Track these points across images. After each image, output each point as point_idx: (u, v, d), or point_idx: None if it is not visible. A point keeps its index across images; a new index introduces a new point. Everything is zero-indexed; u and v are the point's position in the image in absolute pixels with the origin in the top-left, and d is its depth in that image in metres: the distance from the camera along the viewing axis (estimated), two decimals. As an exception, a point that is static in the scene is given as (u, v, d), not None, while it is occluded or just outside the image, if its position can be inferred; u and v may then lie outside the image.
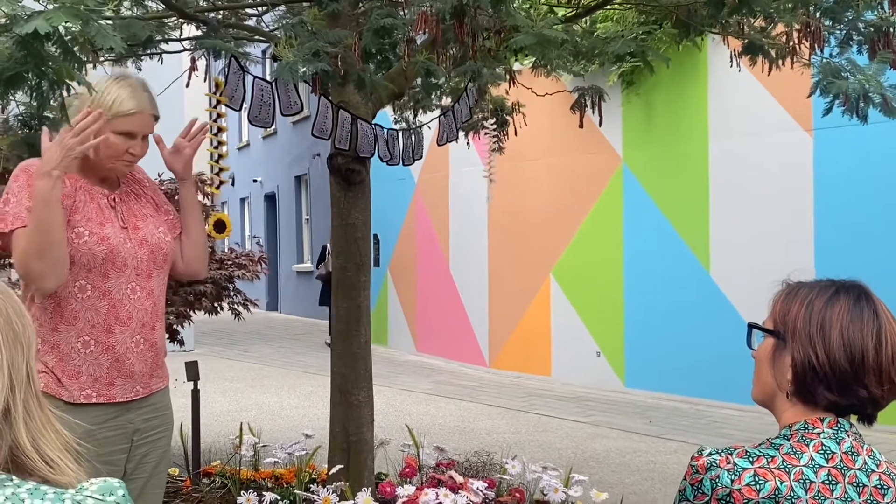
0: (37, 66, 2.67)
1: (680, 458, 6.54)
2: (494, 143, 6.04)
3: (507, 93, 5.50)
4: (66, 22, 2.36)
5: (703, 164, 8.82)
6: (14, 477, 1.07)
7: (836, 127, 6.16)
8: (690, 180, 8.92)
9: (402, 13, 3.61)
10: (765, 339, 1.55)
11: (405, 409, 8.52)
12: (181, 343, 6.28)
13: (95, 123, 2.43)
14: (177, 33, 4.50)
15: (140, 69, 4.53)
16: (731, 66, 4.64)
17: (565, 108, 5.50)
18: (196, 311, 6.19)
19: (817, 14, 4.00)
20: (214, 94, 3.47)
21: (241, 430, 5.05)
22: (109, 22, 3.14)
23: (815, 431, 1.45)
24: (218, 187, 3.45)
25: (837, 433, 1.45)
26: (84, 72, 3.04)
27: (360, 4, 4.09)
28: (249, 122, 3.67)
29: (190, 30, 4.55)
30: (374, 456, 4.46)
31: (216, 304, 6.26)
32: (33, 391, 1.12)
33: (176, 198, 2.91)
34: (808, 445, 1.44)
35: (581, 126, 5.31)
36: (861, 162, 7.63)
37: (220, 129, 3.44)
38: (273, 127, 19.72)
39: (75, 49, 2.68)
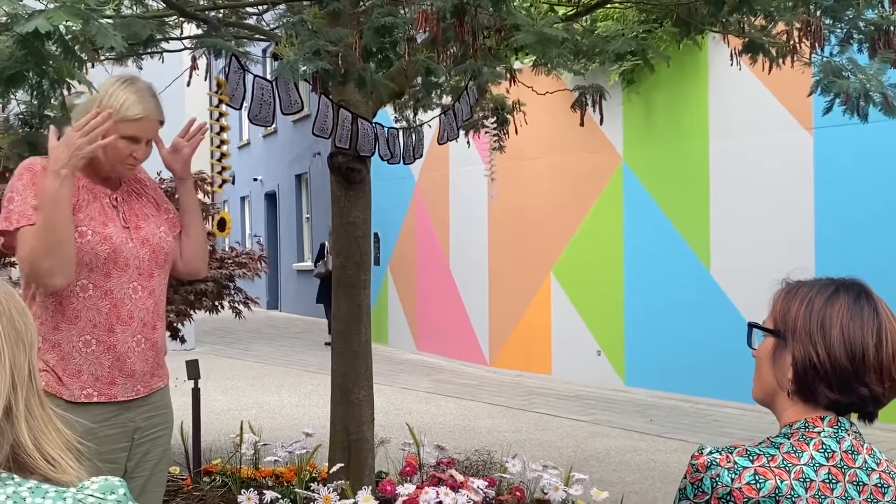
0: (37, 65, 2.67)
1: (680, 456, 6.55)
2: (495, 141, 6.04)
3: (507, 91, 5.50)
4: (66, 21, 2.36)
5: (704, 162, 8.82)
6: (15, 475, 1.08)
7: (837, 126, 6.16)
8: (691, 179, 8.92)
9: (402, 12, 3.61)
10: (765, 339, 1.55)
11: (405, 408, 8.52)
12: (182, 341, 6.28)
13: (105, 124, 2.44)
14: (177, 32, 4.50)
15: (141, 68, 4.53)
16: (732, 64, 4.64)
17: (566, 106, 5.50)
18: (197, 310, 6.20)
19: (818, 13, 4.00)
20: (216, 93, 3.47)
21: (241, 428, 5.05)
22: (110, 21, 3.13)
23: (816, 430, 1.45)
24: (220, 186, 3.45)
25: (838, 432, 1.45)
26: (85, 71, 3.05)
27: (361, 3, 4.10)
28: (250, 120, 3.67)
29: (190, 28, 4.55)
30: (375, 454, 4.46)
31: (217, 303, 6.26)
32: (35, 390, 1.12)
33: (176, 196, 2.92)
34: (808, 444, 1.44)
35: (582, 124, 5.31)
36: (861, 161, 7.63)
37: (222, 129, 3.44)
38: (273, 126, 19.70)
39: (76, 48, 2.69)
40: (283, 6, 4.24)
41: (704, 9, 4.19)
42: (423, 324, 12.69)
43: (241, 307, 6.49)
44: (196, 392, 5.24)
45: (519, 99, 5.89)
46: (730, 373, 7.18)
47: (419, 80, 4.68)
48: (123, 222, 2.58)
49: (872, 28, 4.05)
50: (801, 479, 1.40)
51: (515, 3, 3.76)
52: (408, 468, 4.54)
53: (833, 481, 1.41)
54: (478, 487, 4.10)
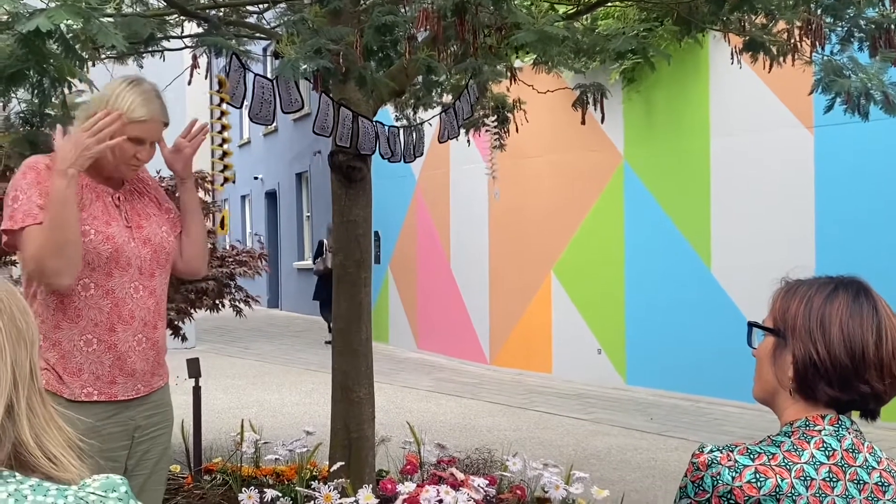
0: (38, 64, 2.68)
1: (681, 455, 6.55)
2: (495, 140, 6.04)
3: (508, 90, 5.50)
4: (67, 20, 2.36)
5: (705, 161, 8.82)
6: (17, 474, 1.08)
7: (838, 124, 6.16)
8: (691, 177, 8.92)
9: (403, 10, 3.61)
10: (765, 338, 1.56)
11: (406, 406, 8.53)
12: (184, 339, 6.28)
13: (114, 124, 2.44)
14: (178, 31, 4.50)
15: (142, 67, 4.53)
16: (732, 63, 4.64)
17: (566, 105, 5.49)
18: (198, 309, 6.20)
19: (818, 11, 4.00)
20: (217, 91, 3.47)
21: (242, 426, 5.05)
22: (111, 20, 3.13)
23: (817, 428, 1.45)
24: (222, 185, 3.45)
25: (838, 430, 1.46)
26: (86, 70, 3.05)
27: (362, 2, 4.09)
28: (250, 119, 3.67)
29: (191, 27, 4.56)
30: (375, 453, 4.46)
31: (217, 301, 6.27)
32: (36, 388, 1.12)
33: (176, 195, 2.92)
34: (809, 442, 1.44)
35: (583, 123, 5.31)
36: (862, 159, 7.63)
37: (223, 127, 3.44)
38: (274, 124, 19.72)
39: (77, 47, 2.69)
40: (283, 4, 4.24)
41: (705, 7, 4.19)
42: (424, 322, 12.69)
43: (241, 305, 6.49)
44: (197, 390, 5.24)
45: (519, 97, 5.89)
46: (730, 371, 7.18)
47: (420, 78, 4.68)
48: (126, 222, 2.58)
49: (873, 26, 4.05)
50: (802, 478, 1.40)
51: (516, 2, 3.76)
52: (408, 466, 4.54)
53: (834, 480, 1.41)
54: (478, 486, 4.10)
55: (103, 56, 4.02)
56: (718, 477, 1.40)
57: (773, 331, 1.53)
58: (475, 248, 11.46)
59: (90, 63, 3.59)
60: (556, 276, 10.29)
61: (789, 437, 1.46)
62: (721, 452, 1.43)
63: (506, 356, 10.98)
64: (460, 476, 4.24)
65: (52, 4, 2.53)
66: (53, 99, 3.18)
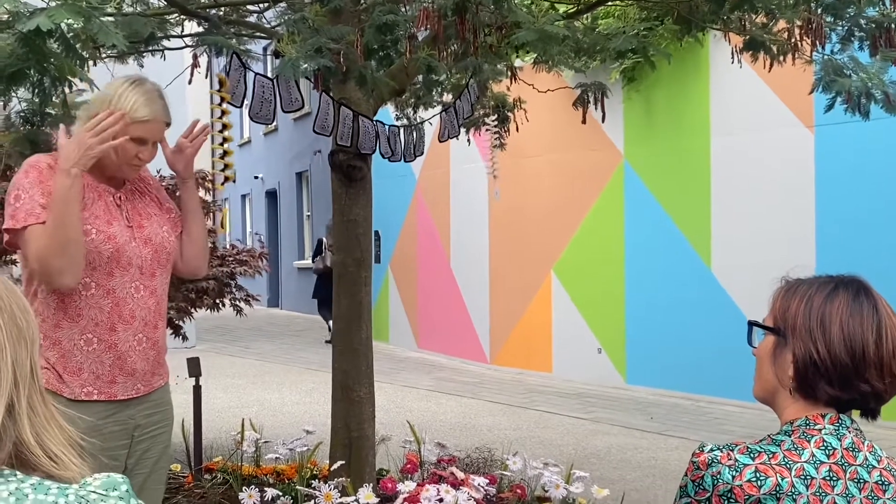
0: (39, 63, 2.68)
1: (681, 454, 6.55)
2: (496, 139, 6.04)
3: (508, 89, 5.50)
4: (68, 19, 2.37)
5: (705, 160, 8.82)
6: (18, 472, 1.08)
7: (838, 123, 6.15)
8: (692, 177, 8.92)
9: (403, 9, 3.61)
10: (765, 337, 1.56)
11: (406, 406, 8.53)
12: (185, 338, 6.29)
13: (117, 124, 2.44)
14: (178, 30, 4.50)
15: (142, 66, 4.53)
16: (733, 62, 4.64)
17: (566, 104, 5.49)
18: (198, 308, 6.20)
19: (819, 10, 4.00)
20: (218, 91, 3.47)
21: (242, 426, 5.05)
22: (111, 19, 3.13)
23: (817, 427, 1.46)
24: (223, 184, 3.45)
25: (839, 429, 1.46)
26: (86, 69, 3.05)
27: (362, 1, 4.09)
28: (251, 118, 3.68)
29: (192, 26, 4.55)
30: (376, 452, 4.47)
31: (218, 301, 6.27)
32: (37, 387, 1.12)
33: (177, 194, 2.92)
34: (809, 441, 1.44)
35: (584, 122, 5.30)
36: (862, 158, 7.62)
37: (224, 126, 3.44)
38: (274, 124, 19.70)
39: (77, 46, 2.69)
40: (283, 4, 4.24)
41: (705, 6, 4.19)
42: (424, 322, 12.69)
43: (242, 305, 6.50)
44: (197, 389, 5.24)
45: (520, 96, 5.89)
46: (730, 370, 7.18)
47: (420, 77, 4.68)
48: (127, 221, 2.59)
49: (873, 26, 4.05)
50: (802, 477, 1.40)
51: (516, 1, 3.76)
52: (409, 465, 4.55)
53: (834, 478, 1.41)
54: (479, 485, 4.10)
55: (104, 55, 4.02)
56: (719, 476, 1.41)
57: (774, 330, 1.53)
58: (475, 248, 11.46)
59: (91, 62, 3.59)
60: (556, 276, 10.29)
61: (789, 436, 1.46)
62: (721, 451, 1.43)
63: (506, 355, 10.99)
64: (460, 475, 4.24)
65: (53, 3, 2.53)
66: (54, 98, 3.18)
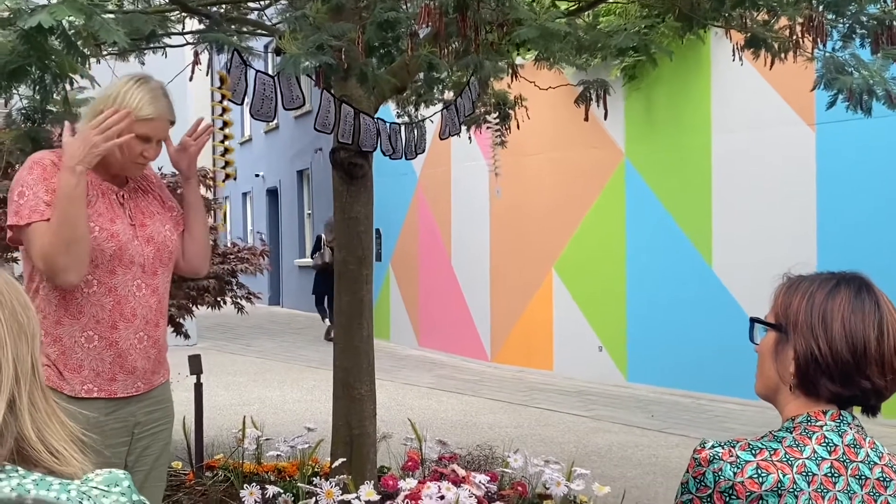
0: (40, 60, 2.68)
1: (682, 452, 6.55)
2: (497, 136, 6.03)
3: (509, 87, 5.49)
4: (69, 16, 2.37)
5: (706, 158, 8.81)
6: (20, 468, 1.08)
7: (839, 121, 6.15)
8: (693, 174, 8.92)
9: (405, 7, 3.60)
10: (767, 333, 1.56)
11: (407, 403, 8.53)
12: (186, 336, 6.29)
13: (122, 122, 2.44)
14: (180, 27, 4.50)
15: (143, 63, 4.53)
16: (734, 59, 4.63)
17: (567, 102, 5.49)
18: (199, 306, 6.20)
19: (820, 7, 4.00)
20: (219, 88, 3.47)
21: (243, 423, 5.05)
22: (112, 16, 3.14)
23: (818, 424, 1.45)
24: (224, 181, 3.45)
25: (840, 426, 1.46)
26: (87, 66, 3.05)
27: (363, -2, 4.09)
28: (251, 115, 3.67)
29: (193, 24, 4.55)
30: (377, 449, 4.47)
31: (219, 299, 6.27)
32: (38, 383, 1.12)
33: (178, 192, 2.92)
34: (810, 438, 1.44)
35: (586, 119, 5.30)
36: (864, 156, 7.62)
37: (225, 124, 3.44)
38: (275, 121, 19.69)
39: (79, 43, 2.69)
40: (284, 1, 4.24)
41: (707, 3, 4.19)
42: (425, 320, 12.70)
43: (243, 303, 6.50)
44: (198, 387, 5.24)
45: (521, 94, 5.89)
46: (731, 368, 7.19)
47: (421, 75, 4.68)
48: (130, 219, 2.59)
49: (875, 23, 4.04)
50: (804, 473, 1.40)
51: (518, -2, 3.75)
52: (410, 463, 4.55)
53: (835, 475, 1.41)
54: (480, 482, 4.10)
55: (105, 52, 4.02)
56: (720, 472, 1.41)
57: (775, 326, 1.53)
58: (476, 246, 11.46)
59: (93, 59, 3.58)
60: (557, 274, 10.29)
61: (791, 432, 1.46)
62: (723, 448, 1.43)
63: (507, 353, 10.99)
64: (462, 472, 4.24)
65: (54, 0, 2.52)
66: (55, 95, 3.18)
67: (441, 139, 5.03)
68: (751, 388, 1.60)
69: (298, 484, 4.28)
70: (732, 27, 4.50)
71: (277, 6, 4.53)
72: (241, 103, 3.62)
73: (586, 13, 4.99)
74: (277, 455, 4.67)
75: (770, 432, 1.48)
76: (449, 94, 5.52)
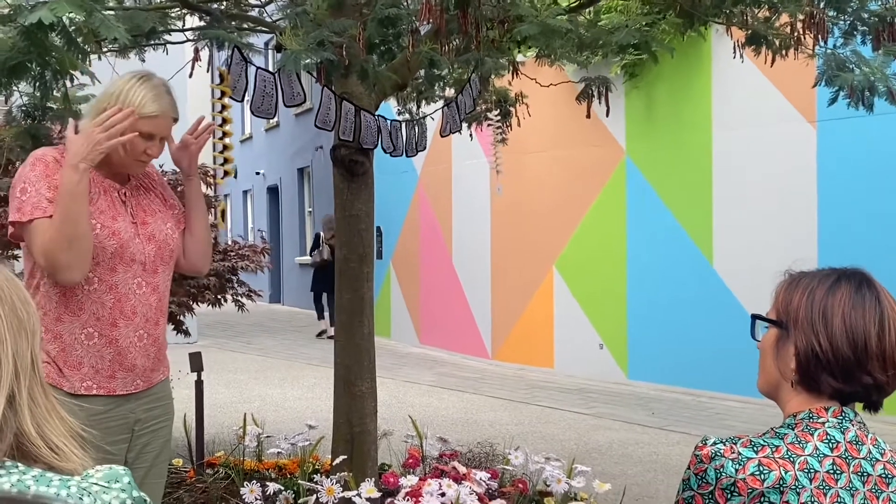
0: (40, 57, 2.67)
1: (682, 449, 6.55)
2: (498, 134, 6.03)
3: (510, 84, 5.49)
4: (70, 12, 2.36)
5: (707, 155, 8.81)
6: (20, 464, 1.08)
7: (840, 118, 6.15)
8: (693, 172, 8.91)
9: (406, 3, 3.60)
10: (768, 330, 1.55)
11: (408, 401, 8.53)
12: (187, 334, 6.28)
13: (126, 121, 2.44)
14: (180, 24, 4.50)
15: (143, 60, 4.52)
16: (735, 57, 4.63)
17: (568, 99, 5.49)
18: (199, 303, 6.20)
19: (821, 4, 3.99)
20: (219, 85, 3.47)
21: (244, 420, 5.05)
22: (113, 12, 3.13)
23: (820, 421, 1.45)
24: (223, 178, 3.45)
25: (842, 422, 1.45)
26: (88, 63, 3.05)
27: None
28: (252, 112, 3.66)
29: (193, 20, 4.55)
30: (378, 447, 4.47)
31: (219, 296, 6.27)
32: (38, 379, 1.12)
33: (179, 189, 2.92)
34: (812, 435, 1.44)
35: (588, 116, 5.29)
36: (865, 153, 7.61)
37: (224, 121, 3.44)
38: (276, 119, 19.66)
39: (79, 39, 2.69)
40: (285, -2, 4.23)
41: (708, 0, 4.18)
42: (426, 317, 12.70)
43: (243, 300, 6.50)
44: (199, 385, 5.24)
45: (522, 91, 5.88)
46: (731, 366, 7.19)
47: (422, 72, 4.67)
48: (131, 217, 2.58)
49: (876, 20, 4.04)
50: (806, 470, 1.40)
51: (518, -5, 3.75)
52: (411, 460, 4.54)
53: (837, 472, 1.41)
54: (480, 479, 4.10)
55: (105, 49, 4.01)
56: (722, 469, 1.40)
57: (776, 323, 1.52)
58: (477, 244, 11.46)
59: (93, 56, 3.58)
60: (557, 271, 10.29)
61: (793, 429, 1.46)
62: (724, 445, 1.43)
63: (508, 351, 10.99)
64: (462, 470, 4.24)
65: (54, -3, 2.52)
66: (55, 92, 3.18)
67: (442, 136, 5.03)
68: (751, 386, 1.59)
69: (299, 481, 4.28)
70: (733, 24, 4.50)
71: (278, 3, 4.53)
72: (242, 100, 3.62)
73: (587, 10, 4.99)
74: (278, 452, 4.67)
75: (772, 429, 1.48)
76: (450, 92, 5.52)
